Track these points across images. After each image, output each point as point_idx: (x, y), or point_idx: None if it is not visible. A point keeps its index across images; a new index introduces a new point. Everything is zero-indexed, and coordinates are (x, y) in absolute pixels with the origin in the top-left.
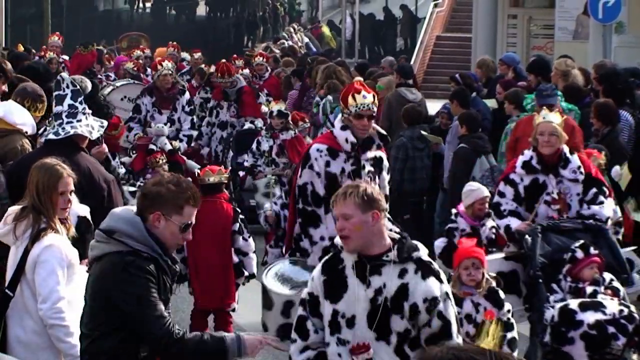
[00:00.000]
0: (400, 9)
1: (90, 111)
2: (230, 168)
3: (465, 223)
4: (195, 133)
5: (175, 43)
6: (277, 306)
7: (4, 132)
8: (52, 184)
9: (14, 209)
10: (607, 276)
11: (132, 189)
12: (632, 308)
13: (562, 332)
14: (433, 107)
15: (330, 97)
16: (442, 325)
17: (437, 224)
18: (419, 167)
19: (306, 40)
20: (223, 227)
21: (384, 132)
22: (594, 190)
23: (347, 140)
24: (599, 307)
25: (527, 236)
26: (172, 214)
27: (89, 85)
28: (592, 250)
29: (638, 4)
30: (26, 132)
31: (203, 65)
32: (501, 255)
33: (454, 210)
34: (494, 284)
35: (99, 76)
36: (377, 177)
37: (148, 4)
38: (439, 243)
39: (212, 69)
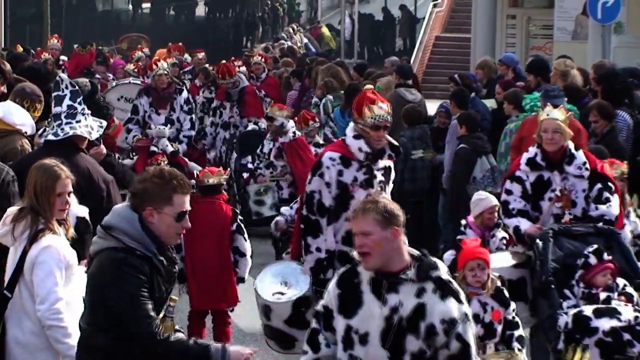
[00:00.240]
0: (400, 9)
1: (89, 112)
2: (233, 169)
3: (474, 234)
4: (194, 133)
5: (180, 44)
6: (259, 307)
7: (4, 133)
8: (50, 185)
9: (12, 210)
10: (621, 282)
11: None
12: None
13: (577, 339)
14: (432, 107)
15: (330, 97)
16: (461, 347)
17: (441, 227)
18: (419, 167)
19: (305, 40)
20: (221, 228)
21: (395, 142)
22: (599, 186)
23: (360, 150)
24: (614, 313)
25: (538, 240)
26: (162, 206)
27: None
28: (606, 256)
29: (637, 4)
30: (26, 133)
31: (207, 65)
32: (509, 263)
33: (463, 222)
34: (498, 283)
35: (97, 76)
36: (386, 186)
37: (148, 5)
38: (448, 256)
39: (212, 69)
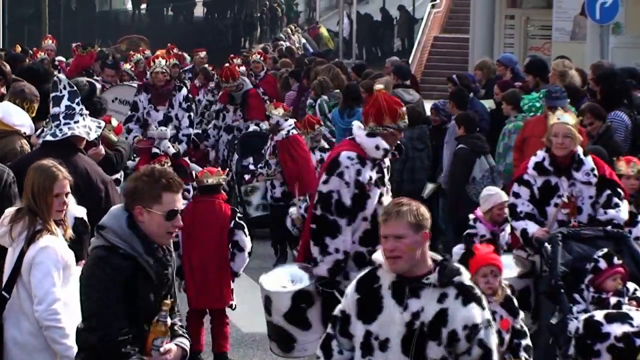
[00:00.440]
0: (398, 10)
1: (87, 112)
2: (235, 171)
3: (485, 229)
4: (192, 131)
5: (181, 54)
6: (263, 301)
7: (3, 134)
8: (47, 186)
9: (10, 211)
10: (631, 286)
11: None
12: None
13: (588, 344)
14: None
15: (325, 97)
16: (483, 353)
17: (444, 229)
18: (419, 167)
19: (303, 41)
20: (220, 227)
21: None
22: (608, 192)
23: (377, 147)
24: (625, 318)
25: (546, 244)
26: (151, 205)
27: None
28: (616, 260)
29: (635, 5)
30: (24, 133)
31: (207, 65)
32: (514, 274)
33: (471, 216)
34: (508, 291)
35: (96, 77)
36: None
37: (146, 5)
38: (457, 250)
39: (211, 69)
